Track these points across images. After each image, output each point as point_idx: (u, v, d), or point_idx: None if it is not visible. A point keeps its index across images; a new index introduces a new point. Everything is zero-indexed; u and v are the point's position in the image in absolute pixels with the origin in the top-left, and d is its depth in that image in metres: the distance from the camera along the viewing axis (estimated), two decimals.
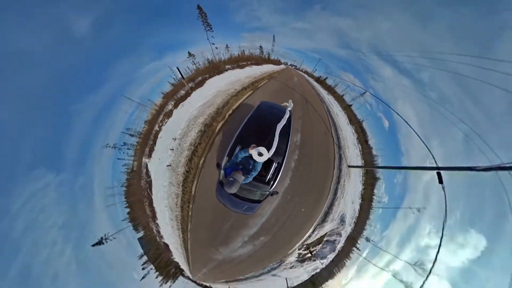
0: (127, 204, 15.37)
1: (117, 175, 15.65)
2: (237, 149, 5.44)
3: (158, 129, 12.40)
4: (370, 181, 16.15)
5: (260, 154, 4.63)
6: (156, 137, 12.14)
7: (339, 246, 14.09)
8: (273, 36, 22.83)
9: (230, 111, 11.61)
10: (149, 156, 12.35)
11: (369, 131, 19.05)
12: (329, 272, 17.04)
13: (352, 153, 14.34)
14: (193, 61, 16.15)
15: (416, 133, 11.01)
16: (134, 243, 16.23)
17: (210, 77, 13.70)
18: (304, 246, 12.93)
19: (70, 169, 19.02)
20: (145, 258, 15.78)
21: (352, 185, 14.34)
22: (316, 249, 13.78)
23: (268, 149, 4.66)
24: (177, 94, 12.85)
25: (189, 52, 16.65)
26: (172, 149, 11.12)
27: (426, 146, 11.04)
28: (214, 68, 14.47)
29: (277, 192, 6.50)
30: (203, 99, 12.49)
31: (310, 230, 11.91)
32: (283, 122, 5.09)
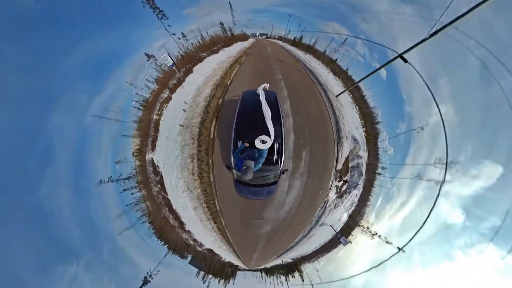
0: (152, 229, 15.11)
1: (131, 214, 15.16)
2: (239, 144, 5.66)
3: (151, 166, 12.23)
4: (372, 134, 16.44)
5: (263, 142, 4.84)
6: (154, 167, 11.92)
7: (363, 170, 14.56)
8: (229, 3, 18.06)
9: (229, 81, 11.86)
10: (157, 177, 12.11)
11: (364, 85, 17.97)
12: (362, 206, 17.75)
13: (348, 114, 14.73)
14: (156, 64, 13.62)
15: (419, 73, 10.64)
16: (177, 264, 16.06)
17: (190, 70, 13.20)
18: (338, 177, 13.38)
19: (84, 245, 16.79)
20: (201, 273, 15.76)
21: (349, 114, 14.79)
22: (347, 178, 14.09)
23: (265, 134, 4.90)
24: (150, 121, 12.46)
25: (146, 54, 13.77)
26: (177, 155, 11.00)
27: (428, 86, 10.68)
28: (190, 60, 13.90)
29: (287, 169, 7.12)
30: (200, 81, 12.48)
31: (335, 155, 12.47)
32: (265, 105, 5.23)
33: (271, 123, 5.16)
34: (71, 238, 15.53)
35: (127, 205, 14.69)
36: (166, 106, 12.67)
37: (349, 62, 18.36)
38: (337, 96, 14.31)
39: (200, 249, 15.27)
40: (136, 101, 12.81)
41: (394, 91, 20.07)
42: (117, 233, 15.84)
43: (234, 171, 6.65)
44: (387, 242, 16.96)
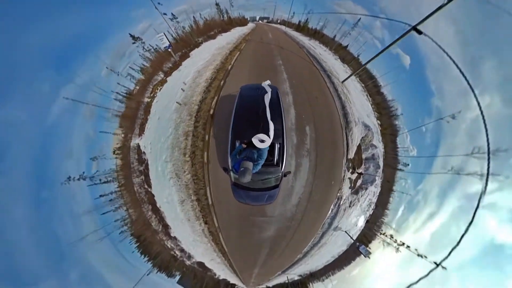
0: (133, 241, 12.63)
1: (107, 225, 12.78)
2: (237, 144, 5.36)
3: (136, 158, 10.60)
4: (389, 130, 14.84)
5: (261, 141, 4.53)
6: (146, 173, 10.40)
7: (380, 162, 12.52)
8: None
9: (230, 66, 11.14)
10: (148, 186, 10.44)
11: (382, 78, 15.76)
12: (381, 212, 15.28)
13: (358, 101, 13.42)
14: (143, 48, 11.94)
15: (452, 60, 8.72)
16: (163, 284, 13.29)
17: (186, 54, 12.01)
18: (351, 168, 11.60)
19: (44, 270, 13.57)
20: None
21: (358, 101, 13.68)
22: (361, 170, 11.99)
23: (265, 133, 4.59)
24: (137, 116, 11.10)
25: (132, 36, 11.97)
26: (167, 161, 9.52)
27: (463, 73, 8.49)
28: (185, 45, 12.70)
29: (290, 172, 6.59)
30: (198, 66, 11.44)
31: (344, 140, 11.18)
32: (268, 101, 5.04)
33: (270, 118, 4.94)
34: (28, 262, 12.40)
35: (103, 214, 12.29)
36: (160, 89, 11.42)
37: (360, 47, 15.95)
38: (343, 81, 13.10)
39: (189, 262, 12.68)
40: (117, 92, 11.18)
41: (420, 82, 17.32)
42: (89, 250, 12.96)
43: (231, 173, 6.23)
44: (420, 256, 13.92)
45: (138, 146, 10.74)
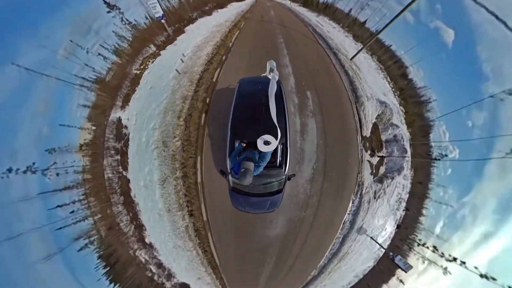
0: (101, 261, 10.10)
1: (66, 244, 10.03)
2: (236, 144, 5.06)
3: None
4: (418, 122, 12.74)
5: (266, 143, 4.08)
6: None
7: (406, 145, 10.40)
8: None
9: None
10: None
11: (409, 58, 12.92)
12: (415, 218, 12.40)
13: (371, 78, 11.93)
14: (122, 19, 10.05)
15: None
16: None
17: (180, 30, 11.23)
18: (369, 149, 9.87)
19: None
20: None
21: (372, 79, 12.21)
22: (382, 153, 10.17)
23: (268, 132, 4.15)
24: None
25: (106, 3, 10.04)
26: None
27: None
28: (178, 19, 11.67)
29: (294, 175, 5.96)
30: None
31: (355, 114, 9.77)
32: (272, 98, 4.48)
33: (275, 117, 4.39)
34: None
35: (57, 229, 9.81)
36: (153, 61, 10.36)
37: (380, 19, 13.09)
38: (351, 58, 11.91)
39: (169, 286, 9.86)
40: (89, 81, 9.72)
41: (468, 62, 13.15)
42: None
43: (229, 177, 5.79)
44: (487, 278, 10.29)
45: (119, 120, 9.21)
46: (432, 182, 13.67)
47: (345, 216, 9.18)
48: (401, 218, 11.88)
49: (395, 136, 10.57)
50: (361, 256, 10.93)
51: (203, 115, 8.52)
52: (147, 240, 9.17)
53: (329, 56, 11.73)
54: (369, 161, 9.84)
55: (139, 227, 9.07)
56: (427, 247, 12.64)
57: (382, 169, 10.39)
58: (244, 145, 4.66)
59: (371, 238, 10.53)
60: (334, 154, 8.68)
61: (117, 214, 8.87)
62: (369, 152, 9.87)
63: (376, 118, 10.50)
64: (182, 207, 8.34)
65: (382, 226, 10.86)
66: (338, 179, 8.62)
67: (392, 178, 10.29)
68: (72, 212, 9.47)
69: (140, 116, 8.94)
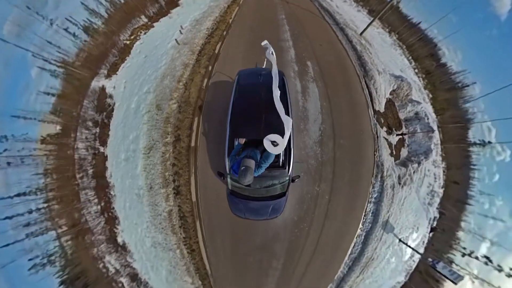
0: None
1: None
2: (236, 143, 4.79)
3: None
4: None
5: (274, 144, 3.71)
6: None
7: (433, 124, 9.34)
8: None
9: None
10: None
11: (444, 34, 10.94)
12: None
13: (385, 53, 10.97)
14: None
15: None
16: None
17: (174, 3, 11.02)
18: (384, 126, 8.67)
19: None
20: None
21: (386, 54, 11.05)
22: (402, 131, 8.86)
23: (272, 130, 3.77)
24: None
25: None
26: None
27: None
28: None
29: (299, 176, 5.74)
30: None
31: (363, 88, 8.86)
32: (276, 91, 4.14)
33: (285, 116, 3.89)
34: None
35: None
36: (145, 32, 10.02)
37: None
38: (361, 33, 11.14)
39: None
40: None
41: None
42: None
43: (228, 178, 5.43)
44: None
45: (102, 89, 8.40)
46: (472, 183, 11.31)
47: (366, 203, 7.68)
48: (436, 219, 9.72)
49: (416, 113, 9.24)
50: (389, 265, 8.81)
51: (205, 80, 8.09)
52: (119, 239, 7.70)
53: (335, 32, 10.94)
54: (386, 139, 8.55)
55: (111, 220, 7.69)
56: (476, 257, 10.05)
57: (404, 152, 8.92)
58: (243, 142, 4.42)
59: (400, 240, 8.49)
60: (342, 120, 7.94)
61: (85, 204, 7.57)
62: (385, 129, 8.61)
63: (391, 94, 9.41)
64: (168, 182, 7.24)
65: (413, 225, 8.88)
66: (351, 150, 7.67)
67: (419, 163, 8.69)
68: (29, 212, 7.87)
69: (131, 83, 8.37)
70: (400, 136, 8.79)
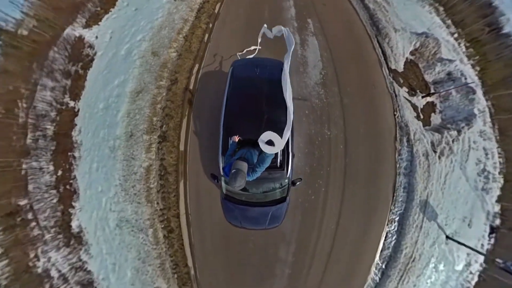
0: None
1: None
2: (230, 142, 4.49)
3: None
4: None
5: (270, 143, 3.56)
6: None
7: (469, 80, 7.61)
8: None
9: None
10: None
11: None
12: None
13: (412, 19, 9.46)
14: None
15: None
16: None
17: None
18: (404, 86, 7.44)
19: None
20: None
21: (406, 12, 9.30)
22: (429, 93, 7.53)
23: (272, 129, 3.70)
24: None
25: None
26: None
27: None
28: None
29: (301, 179, 5.43)
30: None
31: (377, 48, 7.86)
32: (287, 86, 3.94)
33: (292, 111, 3.82)
34: None
35: None
36: None
37: None
38: None
39: None
40: None
41: None
42: None
43: (222, 182, 5.14)
44: None
45: (80, 38, 7.70)
46: None
47: (395, 174, 6.31)
48: (497, 215, 7.28)
49: (449, 74, 7.86)
50: (437, 275, 6.39)
51: (207, 35, 7.69)
52: (74, 223, 6.26)
53: None
54: (409, 100, 7.23)
55: (67, 196, 6.30)
56: None
57: (436, 118, 7.52)
58: (237, 140, 4.15)
59: (448, 237, 6.36)
60: (347, 71, 7.19)
61: (34, 175, 6.28)
62: (406, 89, 7.40)
63: (413, 54, 8.13)
64: (154, 128, 6.44)
65: (462, 216, 6.90)
66: (362, 101, 6.83)
67: (459, 131, 7.00)
68: None
69: (120, 33, 8.01)
70: (428, 98, 7.38)
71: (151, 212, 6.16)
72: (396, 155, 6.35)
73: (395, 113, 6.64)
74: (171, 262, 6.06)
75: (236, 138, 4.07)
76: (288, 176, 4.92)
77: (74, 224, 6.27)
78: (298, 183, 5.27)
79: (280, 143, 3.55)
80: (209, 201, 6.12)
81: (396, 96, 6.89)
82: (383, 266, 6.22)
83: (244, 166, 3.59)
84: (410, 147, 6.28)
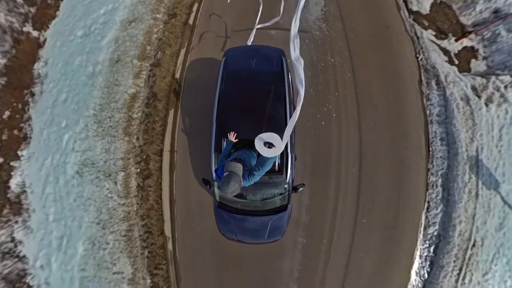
0: None
1: None
2: (224, 144, 4.30)
3: None
4: None
5: (269, 145, 3.17)
6: None
7: None
8: None
9: None
10: None
11: None
12: None
13: None
14: None
15: None
16: None
17: None
18: (429, 29, 6.32)
19: None
20: None
21: None
22: (466, 32, 6.29)
23: (272, 128, 3.40)
24: None
25: None
26: None
27: None
28: None
29: (304, 185, 4.88)
30: None
31: None
32: (300, 83, 3.14)
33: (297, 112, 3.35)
34: None
35: None
36: None
37: None
38: None
39: None
40: None
41: None
42: None
43: (215, 187, 4.66)
44: None
45: None
46: None
47: (423, 121, 5.29)
48: None
49: (496, 12, 6.35)
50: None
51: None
52: (15, 180, 5.08)
53: None
54: (437, 44, 6.06)
55: (13, 144, 5.30)
56: None
57: (478, 65, 6.05)
58: (233, 138, 3.67)
59: None
60: (352, 10, 6.42)
61: None
62: (432, 32, 6.28)
63: None
64: (148, 55, 5.79)
65: None
66: (371, 39, 6.08)
67: None
68: None
69: None
70: (464, 41, 6.11)
71: (126, 149, 5.25)
72: (424, 100, 5.33)
73: (418, 55, 5.69)
74: (142, 228, 4.99)
75: (232, 135, 3.62)
76: (288, 181, 4.43)
77: (14, 182, 5.11)
78: (300, 189, 4.72)
79: (280, 145, 3.09)
80: (201, 141, 5.16)
81: (418, 38, 5.93)
82: (431, 252, 4.76)
83: (238, 168, 3.15)
84: (441, 90, 5.17)
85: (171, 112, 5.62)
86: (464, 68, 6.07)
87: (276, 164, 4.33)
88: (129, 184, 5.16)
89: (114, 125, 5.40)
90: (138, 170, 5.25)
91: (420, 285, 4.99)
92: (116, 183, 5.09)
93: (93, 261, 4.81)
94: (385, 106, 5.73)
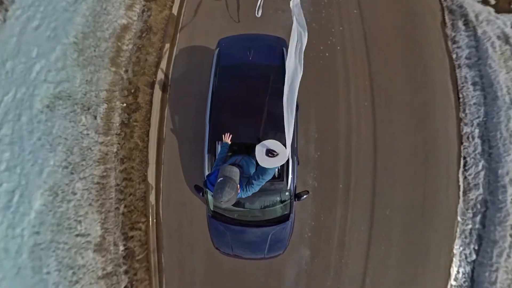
0: None
1: None
2: (218, 148, 4.18)
3: None
4: None
5: (270, 154, 2.94)
6: None
7: None
8: None
9: None
10: None
11: None
12: None
13: None
14: None
15: None
16: None
17: None
18: None
19: None
20: None
21: None
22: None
23: (274, 132, 3.46)
24: None
25: None
26: None
27: None
28: None
29: (308, 192, 4.70)
30: None
31: None
32: (296, 78, 3.39)
33: (294, 108, 3.26)
34: None
35: None
36: None
37: None
38: None
39: None
40: None
41: None
42: None
43: (208, 195, 4.41)
44: None
45: None
46: None
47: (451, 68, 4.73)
48: None
49: None
50: None
51: None
52: None
53: None
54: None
55: None
56: None
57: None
58: (228, 139, 3.49)
59: None
60: None
61: None
62: None
63: None
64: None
65: None
66: None
67: None
68: None
69: None
70: None
71: (112, 80, 4.66)
72: (450, 43, 4.71)
73: (443, 23, 4.93)
74: (121, 174, 4.35)
75: (228, 137, 3.34)
76: (289, 188, 4.07)
77: None
78: (304, 196, 4.36)
79: (283, 155, 2.82)
80: (199, 73, 4.70)
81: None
82: (477, 223, 3.95)
83: (235, 173, 2.87)
84: (471, 30, 4.52)
85: (167, 46, 5.03)
86: (503, 8, 5.24)
87: (276, 169, 3.97)
88: (111, 119, 4.60)
89: (99, 55, 4.84)
90: (124, 104, 4.71)
91: (467, 268, 4.01)
92: (95, 117, 4.52)
93: (51, 220, 4.08)
94: (396, 45, 5.10)
